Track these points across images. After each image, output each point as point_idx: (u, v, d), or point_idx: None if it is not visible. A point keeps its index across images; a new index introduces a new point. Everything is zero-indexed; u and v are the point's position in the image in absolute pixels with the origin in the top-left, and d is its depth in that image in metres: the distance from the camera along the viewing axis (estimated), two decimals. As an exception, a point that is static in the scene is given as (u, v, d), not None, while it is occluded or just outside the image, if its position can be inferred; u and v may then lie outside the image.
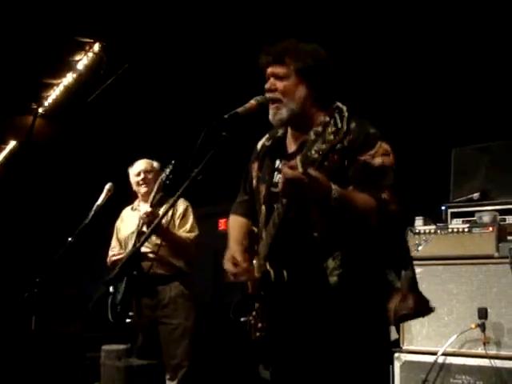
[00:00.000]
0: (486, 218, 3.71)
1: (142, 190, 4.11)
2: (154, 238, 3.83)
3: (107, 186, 4.02)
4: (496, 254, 3.78)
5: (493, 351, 3.69)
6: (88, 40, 6.10)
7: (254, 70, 5.39)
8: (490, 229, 3.60)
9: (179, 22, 5.21)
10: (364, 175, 2.17)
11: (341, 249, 2.21)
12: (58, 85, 7.00)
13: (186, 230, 4.06)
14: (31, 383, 4.93)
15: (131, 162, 4.25)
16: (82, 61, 6.38)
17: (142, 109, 6.53)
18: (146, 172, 4.12)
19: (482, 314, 3.61)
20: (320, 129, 1.88)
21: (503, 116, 4.71)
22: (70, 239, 3.81)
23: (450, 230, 3.71)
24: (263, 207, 2.34)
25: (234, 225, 2.59)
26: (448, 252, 3.67)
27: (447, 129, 4.73)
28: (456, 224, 3.81)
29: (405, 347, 3.68)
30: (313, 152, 1.88)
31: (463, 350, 3.63)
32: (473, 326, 3.56)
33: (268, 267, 2.23)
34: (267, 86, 2.34)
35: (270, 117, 2.34)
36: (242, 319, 2.39)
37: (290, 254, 2.23)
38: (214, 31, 5.23)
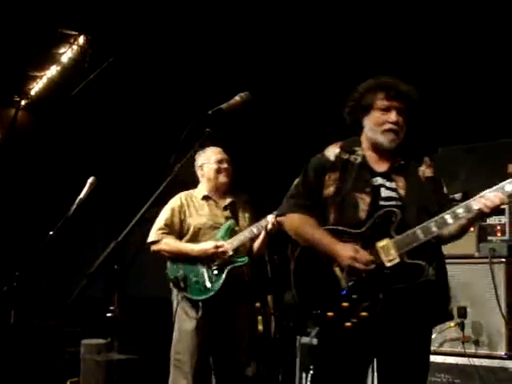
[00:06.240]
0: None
1: (224, 179, 3.95)
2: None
3: (90, 180, 3.96)
4: (476, 254, 3.83)
5: (471, 350, 3.73)
6: (73, 33, 6.06)
7: (237, 66, 5.38)
8: (471, 229, 3.63)
9: (164, 16, 5.19)
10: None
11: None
12: (41, 77, 6.94)
13: None
14: (10, 378, 4.89)
15: (117, 157, 4.16)
16: (67, 53, 6.33)
17: (125, 103, 6.49)
18: (227, 162, 3.99)
19: (462, 313, 3.65)
20: None
21: (487, 117, 4.76)
22: (51, 233, 3.77)
23: (431, 230, 3.73)
24: (363, 214, 2.67)
25: (313, 224, 2.76)
26: (429, 251, 3.69)
27: (432, 129, 4.76)
28: (437, 223, 3.84)
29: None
30: None
31: (442, 349, 3.67)
32: (452, 324, 3.60)
33: (408, 260, 2.59)
34: (394, 119, 2.72)
35: (386, 142, 2.73)
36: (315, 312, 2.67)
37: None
38: (198, 26, 5.22)
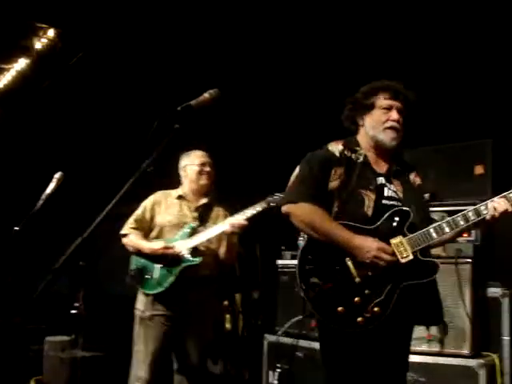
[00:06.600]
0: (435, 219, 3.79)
1: (205, 181, 4.06)
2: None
3: (57, 175, 3.95)
4: (443, 254, 3.88)
5: (436, 348, 3.78)
6: (43, 25, 5.97)
7: (210, 63, 5.33)
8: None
9: (135, 12, 5.15)
10: None
11: None
12: (9, 70, 6.82)
13: None
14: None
15: (85, 152, 4.14)
16: (36, 46, 6.23)
17: (95, 98, 6.43)
18: (210, 166, 4.10)
19: (427, 312, 3.68)
20: None
21: (455, 119, 4.81)
22: (16, 228, 3.73)
23: (398, 230, 3.76)
24: (369, 210, 2.76)
25: (326, 215, 2.77)
26: (396, 251, 3.73)
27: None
28: (405, 223, 3.88)
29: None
30: None
31: (408, 347, 3.71)
32: (418, 323, 3.63)
33: (422, 258, 2.72)
34: (396, 117, 2.84)
35: (388, 140, 2.85)
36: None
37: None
38: (170, 20, 5.19)
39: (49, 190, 3.89)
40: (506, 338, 3.86)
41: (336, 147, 2.89)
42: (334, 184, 2.80)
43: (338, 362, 2.75)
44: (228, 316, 5.54)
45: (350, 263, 2.69)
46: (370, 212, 2.76)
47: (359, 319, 2.64)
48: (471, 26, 4.64)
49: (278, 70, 5.49)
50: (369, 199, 2.78)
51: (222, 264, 3.99)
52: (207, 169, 4.07)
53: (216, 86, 2.47)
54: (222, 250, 3.96)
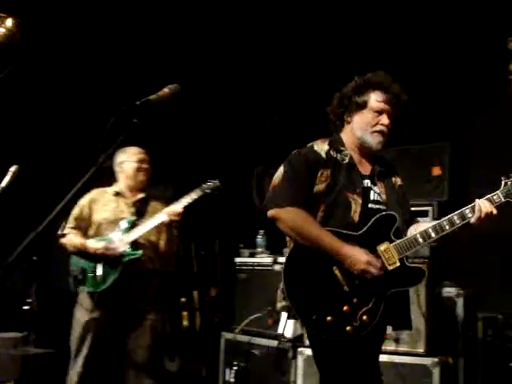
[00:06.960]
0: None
1: (142, 177, 4.06)
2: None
3: (12, 169, 3.86)
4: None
5: (391, 347, 3.83)
6: (1, 14, 5.83)
7: (167, 58, 5.29)
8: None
9: (95, 4, 5.09)
10: None
11: None
12: (-36, 59, 6.66)
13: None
14: None
15: (41, 145, 4.05)
16: (-7, 36, 6.10)
17: (53, 91, 6.32)
18: (147, 163, 4.10)
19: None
20: None
21: (414, 121, 4.87)
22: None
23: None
24: (355, 215, 2.70)
25: (314, 221, 2.70)
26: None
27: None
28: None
29: (307, 343, 3.74)
30: None
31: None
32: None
33: (409, 264, 2.71)
34: (386, 122, 2.79)
35: (375, 143, 2.80)
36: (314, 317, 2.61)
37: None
38: (130, 13, 5.16)
39: (3, 183, 3.81)
40: (461, 337, 3.94)
41: (322, 147, 2.81)
42: (320, 187, 2.73)
43: (328, 368, 2.71)
44: (185, 313, 5.52)
45: (337, 272, 2.63)
46: (356, 217, 2.71)
47: (348, 328, 2.59)
48: (431, 27, 4.70)
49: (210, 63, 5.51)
50: (355, 203, 2.72)
51: (162, 256, 3.97)
52: (145, 165, 4.08)
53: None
54: (162, 243, 3.96)
